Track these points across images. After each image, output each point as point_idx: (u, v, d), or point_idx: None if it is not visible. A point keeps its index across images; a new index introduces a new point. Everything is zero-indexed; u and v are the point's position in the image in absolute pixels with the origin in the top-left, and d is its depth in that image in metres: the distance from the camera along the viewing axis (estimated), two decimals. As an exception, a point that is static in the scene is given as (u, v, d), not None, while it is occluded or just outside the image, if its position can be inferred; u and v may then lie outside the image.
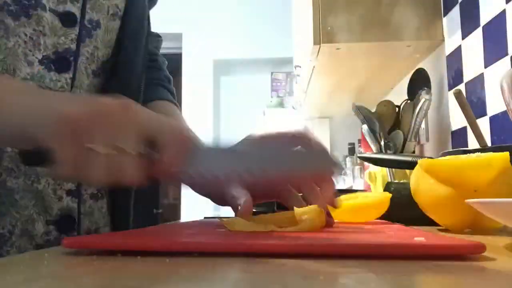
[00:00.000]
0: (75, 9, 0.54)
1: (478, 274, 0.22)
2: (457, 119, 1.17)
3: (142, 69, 0.64)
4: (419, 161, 0.47)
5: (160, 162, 0.40)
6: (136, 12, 0.62)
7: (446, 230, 0.49)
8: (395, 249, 0.26)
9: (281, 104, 3.02)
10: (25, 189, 0.51)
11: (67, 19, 0.53)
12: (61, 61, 0.52)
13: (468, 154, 0.46)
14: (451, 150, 0.70)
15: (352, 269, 0.23)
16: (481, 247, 0.25)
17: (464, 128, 1.12)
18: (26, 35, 0.50)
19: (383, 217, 0.64)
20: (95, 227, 0.59)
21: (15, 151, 0.50)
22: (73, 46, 0.54)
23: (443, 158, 0.47)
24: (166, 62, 0.77)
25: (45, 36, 0.51)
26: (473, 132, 0.70)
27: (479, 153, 0.45)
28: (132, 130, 0.38)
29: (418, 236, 0.31)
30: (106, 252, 0.29)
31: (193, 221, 0.62)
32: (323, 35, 1.28)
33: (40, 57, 0.51)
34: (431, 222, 0.52)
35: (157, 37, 0.79)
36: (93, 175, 0.36)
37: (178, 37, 3.23)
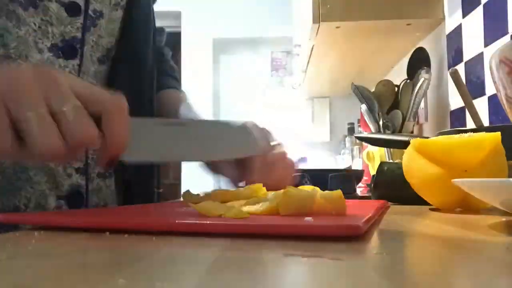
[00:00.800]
0: (79, 0, 0.57)
1: (457, 252, 0.22)
2: (456, 99, 1.16)
3: (152, 62, 0.68)
4: (411, 140, 0.47)
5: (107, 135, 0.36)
6: (142, 4, 0.66)
7: (437, 210, 0.49)
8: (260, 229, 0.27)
9: (280, 84, 3.00)
10: (38, 167, 0.54)
11: (72, 8, 0.56)
12: (68, 49, 0.56)
13: (461, 134, 0.46)
14: (446, 130, 0.70)
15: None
16: (356, 229, 0.25)
17: (463, 108, 1.12)
18: (35, 24, 0.53)
19: (378, 196, 0.64)
20: (103, 203, 0.62)
21: None
22: (79, 35, 0.57)
23: (434, 138, 0.47)
24: (171, 53, 0.81)
25: (52, 26, 0.55)
26: (469, 112, 0.70)
27: (472, 133, 0.45)
28: (66, 89, 0.34)
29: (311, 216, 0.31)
30: (95, 230, 0.29)
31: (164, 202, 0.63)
32: (322, 13, 1.27)
33: (49, 44, 0.55)
34: (424, 202, 0.52)
35: (161, 30, 0.82)
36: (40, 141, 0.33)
37: (177, 15, 3.19)
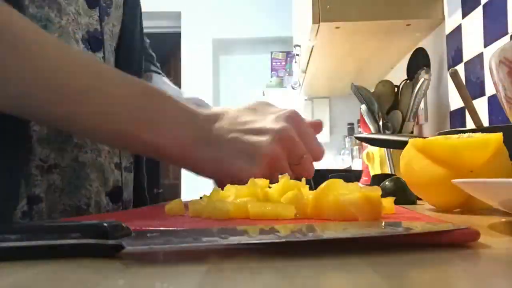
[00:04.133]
0: None
1: (457, 252, 0.22)
2: (455, 99, 1.16)
3: (140, 41, 0.66)
4: (411, 141, 0.47)
5: None
6: None
7: (436, 210, 0.49)
8: (381, 239, 0.23)
9: (280, 84, 3.00)
10: (92, 163, 0.53)
11: (91, 0, 0.55)
12: (94, 40, 0.55)
13: (460, 134, 0.46)
14: (446, 130, 0.70)
15: (347, 261, 0.23)
16: (475, 234, 0.23)
17: (463, 108, 1.12)
18: (72, 13, 0.52)
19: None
20: (129, 198, 0.61)
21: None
22: (99, 26, 0.56)
23: (433, 137, 0.47)
24: (148, 41, 0.77)
25: (80, 16, 0.53)
26: (468, 112, 0.70)
27: (470, 133, 0.44)
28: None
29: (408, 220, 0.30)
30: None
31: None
32: (322, 13, 1.27)
33: (81, 36, 0.53)
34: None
35: None
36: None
37: (177, 15, 3.19)
